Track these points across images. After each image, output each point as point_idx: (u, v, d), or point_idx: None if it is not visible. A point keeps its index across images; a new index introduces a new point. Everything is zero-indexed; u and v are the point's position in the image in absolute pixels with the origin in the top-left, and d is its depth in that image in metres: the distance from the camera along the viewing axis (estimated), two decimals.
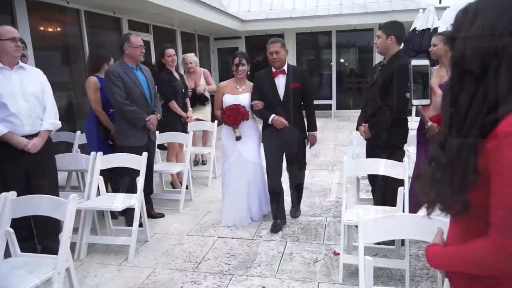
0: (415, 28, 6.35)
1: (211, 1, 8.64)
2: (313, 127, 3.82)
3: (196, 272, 3.03)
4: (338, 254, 3.15)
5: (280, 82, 3.62)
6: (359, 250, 1.95)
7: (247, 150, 3.82)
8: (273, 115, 3.59)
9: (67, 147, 4.82)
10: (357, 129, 3.53)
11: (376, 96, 3.21)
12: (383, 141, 3.24)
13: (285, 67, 3.62)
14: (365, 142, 3.53)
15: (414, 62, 1.25)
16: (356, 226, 3.04)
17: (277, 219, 3.79)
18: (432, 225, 1.78)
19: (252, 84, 3.81)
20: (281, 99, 3.60)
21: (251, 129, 3.85)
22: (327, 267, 3.05)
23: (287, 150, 3.74)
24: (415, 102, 1.27)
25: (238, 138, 3.76)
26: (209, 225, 3.95)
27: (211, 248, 3.44)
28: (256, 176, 3.91)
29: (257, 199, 3.95)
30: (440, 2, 12.90)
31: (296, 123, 3.65)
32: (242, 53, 3.83)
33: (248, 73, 3.85)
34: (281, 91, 3.61)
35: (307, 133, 3.79)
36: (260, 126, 3.86)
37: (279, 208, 3.81)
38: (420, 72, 1.25)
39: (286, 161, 3.84)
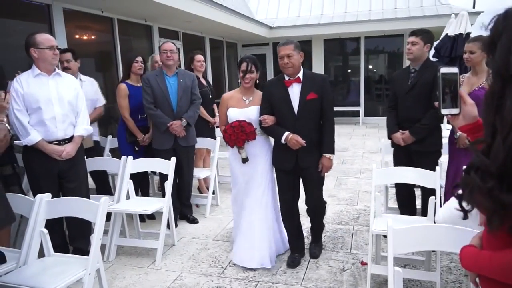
0: (447, 34, 6.17)
1: (239, 9, 8.74)
2: (328, 148, 3.00)
3: (221, 278, 3.04)
4: (366, 264, 3.09)
5: (294, 92, 2.96)
6: (388, 261, 1.91)
7: (256, 174, 3.19)
8: (287, 133, 2.93)
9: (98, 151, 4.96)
10: (389, 137, 3.42)
11: (417, 101, 3.19)
12: (427, 145, 3.23)
13: (300, 74, 2.98)
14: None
15: (443, 69, 1.22)
16: (385, 236, 2.99)
17: (295, 252, 3.26)
18: (465, 237, 1.73)
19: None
20: (295, 113, 2.95)
21: (262, 146, 3.20)
22: (354, 277, 2.99)
23: (303, 175, 3.11)
24: (444, 111, 1.23)
25: (244, 160, 3.14)
26: None
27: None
28: (268, 206, 3.24)
29: (271, 237, 3.25)
30: (473, 7, 12.55)
31: (314, 143, 2.99)
32: (251, 57, 3.17)
33: (257, 81, 3.25)
34: (295, 103, 2.95)
35: (322, 155, 3.01)
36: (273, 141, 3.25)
37: (297, 240, 3.28)
38: (449, 80, 1.22)
39: (303, 187, 3.20)
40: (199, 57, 4.72)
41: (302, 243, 3.33)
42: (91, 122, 4.01)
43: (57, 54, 2.99)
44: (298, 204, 3.27)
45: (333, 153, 3.03)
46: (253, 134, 3.05)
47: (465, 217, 0.98)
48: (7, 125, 1.88)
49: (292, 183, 3.12)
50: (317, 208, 3.23)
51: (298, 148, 2.93)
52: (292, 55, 2.89)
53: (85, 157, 3.39)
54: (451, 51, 5.83)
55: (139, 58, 4.06)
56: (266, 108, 3.05)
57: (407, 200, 3.51)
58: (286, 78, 2.99)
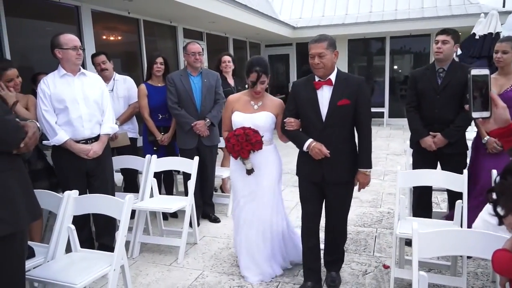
0: (474, 33, 6.01)
1: (263, 9, 8.75)
2: (364, 161, 2.65)
3: (243, 277, 3.05)
4: (388, 267, 3.05)
5: (324, 96, 2.59)
6: (413, 265, 1.88)
7: (261, 186, 2.88)
8: (310, 140, 2.59)
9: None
10: (416, 141, 3.27)
11: (449, 102, 3.09)
12: (458, 147, 3.16)
13: (333, 76, 2.60)
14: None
15: (474, 71, 1.18)
16: (407, 244, 2.93)
17: (308, 280, 2.79)
18: (493, 242, 1.68)
19: (274, 100, 2.92)
20: (323, 119, 2.58)
21: (268, 156, 2.89)
22: (377, 280, 2.95)
23: (328, 192, 2.72)
24: (475, 114, 1.19)
25: (249, 172, 2.83)
26: None
27: None
28: (275, 221, 2.96)
29: (279, 250, 3.04)
30: (503, 6, 12.17)
31: (344, 155, 2.63)
32: (261, 63, 2.79)
33: (267, 86, 2.88)
34: (323, 108, 2.58)
35: (358, 169, 2.67)
36: (283, 150, 3.04)
37: (313, 265, 2.82)
38: (480, 82, 1.17)
39: (325, 206, 2.81)
40: (225, 58, 4.87)
41: (317, 267, 2.83)
42: (125, 120, 4.10)
43: (80, 54, 3.01)
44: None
45: (370, 167, 2.65)
46: (259, 144, 2.71)
47: (500, 223, 0.96)
48: (37, 123, 1.94)
49: (317, 194, 2.75)
50: (336, 234, 2.83)
51: (321, 158, 2.57)
52: (324, 55, 2.51)
53: (111, 155, 3.46)
54: (481, 51, 5.69)
55: (159, 59, 4.08)
56: (292, 110, 2.71)
57: (425, 203, 3.41)
58: (316, 79, 2.63)
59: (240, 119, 2.83)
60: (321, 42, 2.52)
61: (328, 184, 2.67)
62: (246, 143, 2.68)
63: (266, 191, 2.90)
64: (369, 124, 2.65)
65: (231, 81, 4.89)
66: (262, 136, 2.75)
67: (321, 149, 2.55)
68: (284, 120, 2.71)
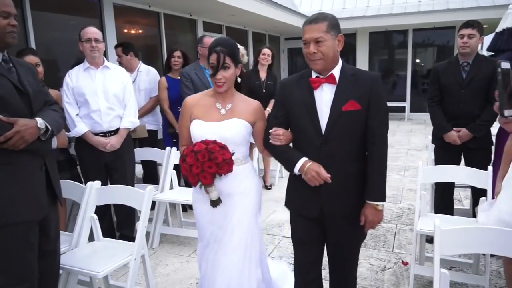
0: (506, 27, 5.82)
1: (283, 2, 8.68)
2: (376, 191, 1.87)
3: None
4: (407, 263, 3.02)
5: (324, 98, 1.85)
6: (435, 262, 1.84)
7: (231, 222, 2.06)
8: (303, 160, 1.86)
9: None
10: (439, 136, 3.22)
11: (474, 96, 3.05)
12: (483, 142, 3.13)
13: (336, 71, 1.85)
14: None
15: (504, 65, 1.13)
16: (427, 241, 2.89)
17: None
18: None
19: (250, 102, 2.12)
20: (322, 131, 1.85)
21: (243, 180, 2.09)
22: (396, 276, 2.92)
23: (329, 229, 1.98)
24: (506, 112, 1.13)
25: (214, 203, 2.00)
26: (274, 224, 3.98)
27: (276, 247, 3.46)
28: (246, 274, 2.08)
29: None
30: None
31: (350, 180, 1.90)
32: (224, 42, 2.02)
33: (238, 79, 2.09)
34: (323, 115, 1.84)
35: (366, 202, 1.88)
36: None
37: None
38: (508, 77, 1.13)
39: (327, 250, 2.07)
40: (264, 50, 4.89)
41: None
42: (146, 113, 4.14)
43: (94, 46, 3.00)
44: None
45: (383, 199, 1.88)
46: (227, 165, 1.90)
47: None
48: (39, 120, 1.83)
49: (316, 234, 2.00)
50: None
51: (319, 185, 1.84)
52: (323, 40, 1.76)
53: (133, 148, 3.50)
54: (508, 44, 5.48)
55: (177, 53, 4.08)
56: (280, 118, 1.96)
57: (447, 200, 3.35)
58: (313, 75, 1.89)
59: (202, 130, 2.01)
60: (318, 22, 1.77)
61: (329, 219, 1.94)
62: (209, 164, 1.86)
63: (238, 228, 2.06)
64: (385, 139, 1.93)
65: (263, 74, 4.89)
66: (233, 153, 1.95)
67: (319, 171, 1.81)
68: (270, 131, 1.94)
